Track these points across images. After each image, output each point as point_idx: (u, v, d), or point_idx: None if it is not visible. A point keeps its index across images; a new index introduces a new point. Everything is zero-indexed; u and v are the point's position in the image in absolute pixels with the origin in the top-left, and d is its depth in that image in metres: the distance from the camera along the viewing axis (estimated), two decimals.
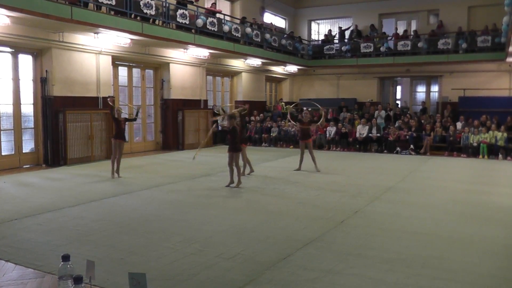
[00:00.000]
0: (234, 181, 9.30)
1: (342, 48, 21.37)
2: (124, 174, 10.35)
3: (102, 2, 11.46)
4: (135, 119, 11.03)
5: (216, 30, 15.65)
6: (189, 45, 14.82)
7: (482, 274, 4.55)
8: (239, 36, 17.01)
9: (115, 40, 12.52)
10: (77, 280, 2.42)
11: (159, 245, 5.36)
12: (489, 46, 18.28)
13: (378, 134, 16.57)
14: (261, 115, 20.00)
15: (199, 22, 14.66)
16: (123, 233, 5.88)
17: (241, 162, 10.87)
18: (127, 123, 11.19)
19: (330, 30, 23.35)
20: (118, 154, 10.18)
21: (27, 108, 12.18)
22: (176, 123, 16.47)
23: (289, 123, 16.44)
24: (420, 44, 19.55)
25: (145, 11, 12.67)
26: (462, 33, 19.24)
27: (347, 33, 22.52)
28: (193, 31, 14.65)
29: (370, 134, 16.58)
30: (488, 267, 4.73)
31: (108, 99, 11.48)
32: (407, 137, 15.97)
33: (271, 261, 4.84)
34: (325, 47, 22.10)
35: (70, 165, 11.97)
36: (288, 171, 11.35)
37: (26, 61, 12.04)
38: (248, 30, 17.50)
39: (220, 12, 16.84)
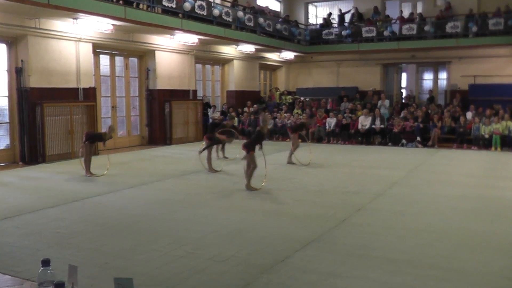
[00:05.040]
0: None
1: (342, 32, 21.33)
2: (108, 172, 10.31)
3: None
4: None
5: (205, 14, 15.57)
6: (176, 31, 14.76)
7: (493, 274, 4.60)
8: (230, 20, 16.95)
9: (95, 26, 12.43)
10: (58, 286, 2.42)
11: (146, 248, 5.37)
12: (501, 29, 18.25)
13: (382, 126, 16.60)
14: (255, 106, 19.96)
15: (187, 5, 14.57)
16: (107, 235, 5.89)
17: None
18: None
19: (330, 14, 23.28)
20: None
21: (1, 101, 12.10)
22: (163, 115, 16.44)
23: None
24: (426, 28, 19.54)
25: None
26: (472, 16, 19.23)
27: (347, 17, 22.48)
28: (180, 15, 14.58)
29: (373, 126, 16.62)
30: (500, 267, 4.77)
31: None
32: (413, 128, 16.02)
33: (268, 264, 4.86)
34: (323, 32, 22.05)
35: (49, 163, 11.92)
36: (284, 167, 11.37)
37: None
38: (240, 14, 17.44)
39: None
